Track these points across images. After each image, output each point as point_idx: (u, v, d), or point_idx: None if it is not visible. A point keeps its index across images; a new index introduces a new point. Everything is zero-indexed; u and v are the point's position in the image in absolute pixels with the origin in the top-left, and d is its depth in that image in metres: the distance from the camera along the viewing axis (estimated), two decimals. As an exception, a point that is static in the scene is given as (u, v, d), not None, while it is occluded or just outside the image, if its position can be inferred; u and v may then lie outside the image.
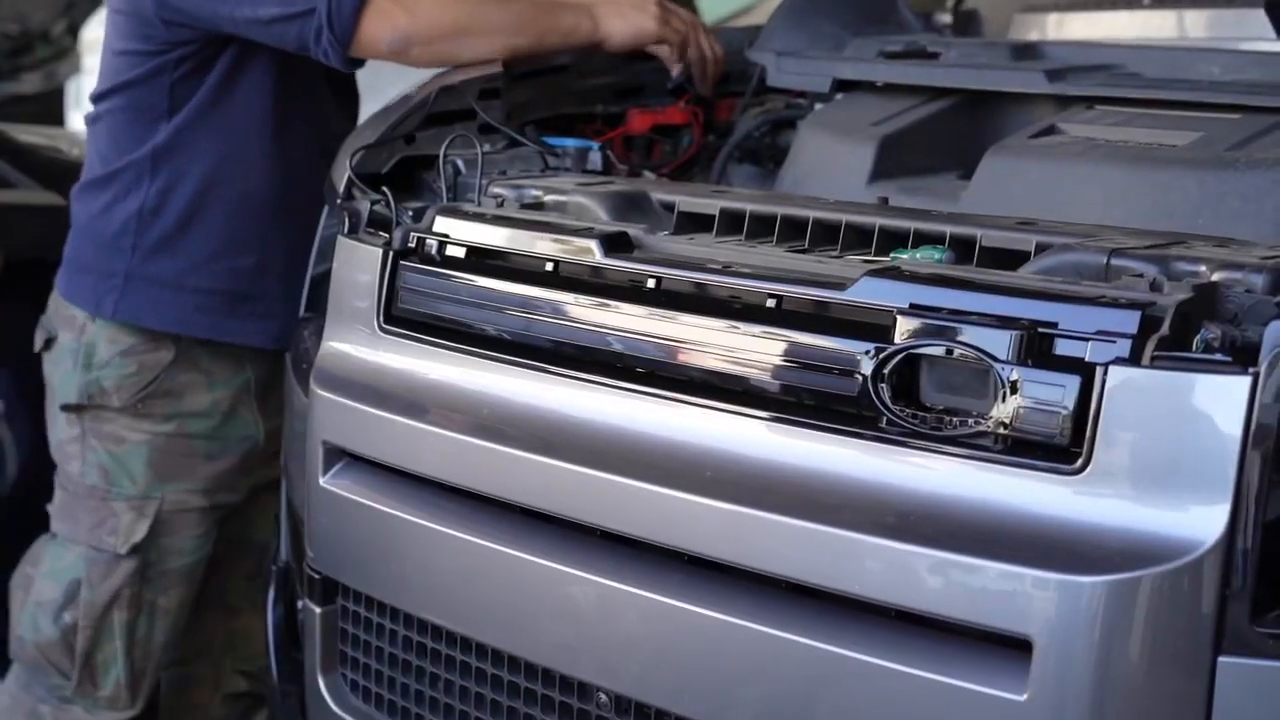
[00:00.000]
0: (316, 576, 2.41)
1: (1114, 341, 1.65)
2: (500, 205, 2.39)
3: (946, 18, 3.40)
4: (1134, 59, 2.60)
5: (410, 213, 2.41)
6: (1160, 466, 1.62)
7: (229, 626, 3.01)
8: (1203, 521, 1.59)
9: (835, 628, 1.77)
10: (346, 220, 2.49)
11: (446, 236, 2.28)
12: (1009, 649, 1.66)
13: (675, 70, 2.92)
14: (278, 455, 2.83)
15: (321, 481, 2.36)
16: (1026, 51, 2.72)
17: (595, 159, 2.68)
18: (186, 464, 2.83)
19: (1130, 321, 1.66)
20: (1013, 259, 1.93)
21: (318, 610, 2.42)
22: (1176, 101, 2.37)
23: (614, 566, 1.96)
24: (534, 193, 2.39)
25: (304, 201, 2.77)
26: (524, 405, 2.15)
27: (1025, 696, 1.64)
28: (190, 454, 2.83)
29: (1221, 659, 1.59)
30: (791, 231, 2.15)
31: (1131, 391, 1.63)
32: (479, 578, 2.14)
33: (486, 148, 2.53)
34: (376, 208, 2.46)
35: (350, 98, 2.99)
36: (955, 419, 1.74)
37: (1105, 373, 1.64)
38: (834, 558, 1.77)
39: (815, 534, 1.78)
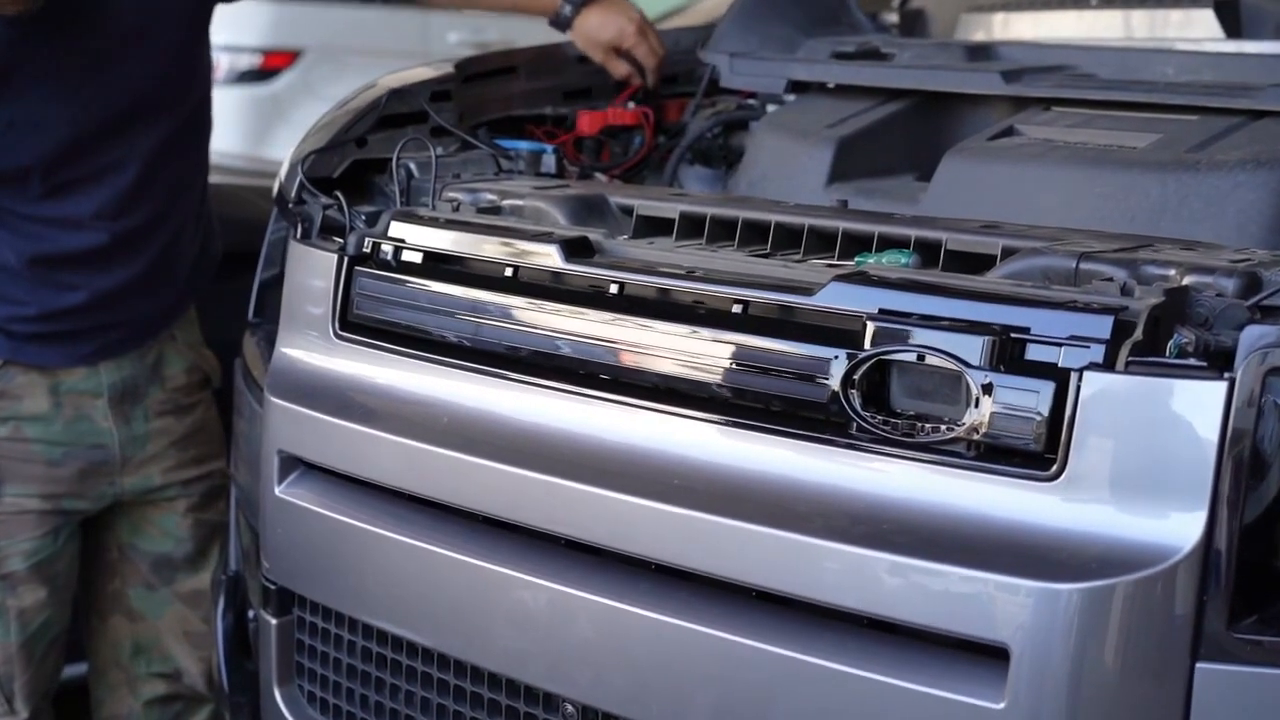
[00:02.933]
0: (272, 587, 2.37)
1: (1087, 347, 1.65)
2: (456, 209, 2.35)
3: (893, 17, 3.39)
4: (1088, 60, 2.60)
5: (363, 217, 2.38)
6: (1136, 472, 1.62)
7: (134, 632, 2.95)
8: (1179, 528, 1.59)
9: (810, 637, 1.75)
10: (298, 225, 2.45)
11: (403, 241, 2.25)
12: (986, 657, 1.65)
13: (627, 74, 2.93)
14: (154, 462, 2.78)
15: (277, 491, 2.32)
16: (981, 52, 2.71)
17: (549, 162, 2.66)
18: (24, 467, 2.70)
19: (1103, 326, 1.65)
20: (978, 263, 1.92)
21: (273, 621, 2.38)
22: (1132, 102, 2.38)
23: (584, 576, 1.94)
24: (489, 196, 2.36)
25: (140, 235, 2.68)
26: (483, 413, 2.12)
27: (1002, 705, 1.63)
28: (28, 458, 2.70)
29: (1199, 665, 1.59)
30: (753, 235, 2.13)
31: (1106, 397, 1.62)
32: (440, 587, 2.12)
33: (440, 150, 2.50)
34: (329, 212, 2.42)
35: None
36: (927, 425, 1.73)
37: (1079, 378, 1.63)
38: (808, 566, 1.75)
39: (788, 542, 1.76)
